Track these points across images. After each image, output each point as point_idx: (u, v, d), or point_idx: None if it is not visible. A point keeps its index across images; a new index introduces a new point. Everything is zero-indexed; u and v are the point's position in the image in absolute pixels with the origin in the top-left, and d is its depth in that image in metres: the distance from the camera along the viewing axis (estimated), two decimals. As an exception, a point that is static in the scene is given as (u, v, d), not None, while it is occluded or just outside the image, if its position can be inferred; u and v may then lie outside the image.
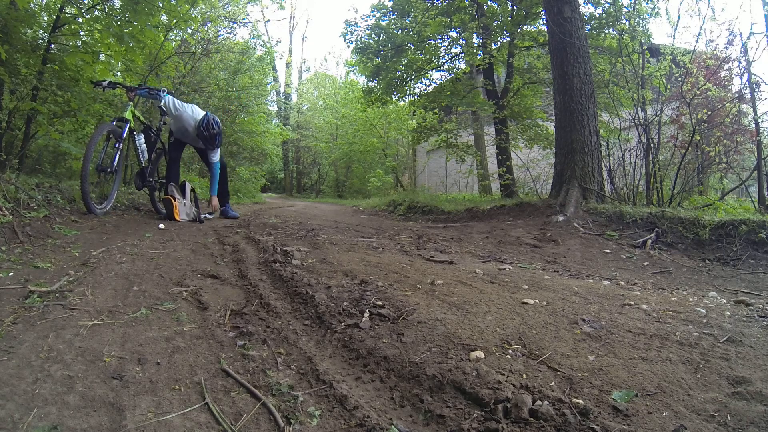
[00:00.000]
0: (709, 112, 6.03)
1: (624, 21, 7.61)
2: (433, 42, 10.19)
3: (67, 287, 1.74)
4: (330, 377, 1.23)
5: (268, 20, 33.85)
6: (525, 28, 9.15)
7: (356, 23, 10.59)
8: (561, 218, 4.45)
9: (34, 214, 2.79)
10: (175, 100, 4.48)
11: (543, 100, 9.86)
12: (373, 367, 1.29)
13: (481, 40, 9.40)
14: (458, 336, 1.44)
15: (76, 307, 1.56)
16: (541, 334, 1.51)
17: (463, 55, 10.18)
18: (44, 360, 1.19)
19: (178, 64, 7.01)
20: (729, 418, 1.06)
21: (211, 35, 9.71)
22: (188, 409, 1.06)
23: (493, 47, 9.29)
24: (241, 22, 11.31)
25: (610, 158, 5.74)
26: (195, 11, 7.29)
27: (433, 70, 10.84)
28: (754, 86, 5.95)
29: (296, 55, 35.86)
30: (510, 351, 1.38)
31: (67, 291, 1.70)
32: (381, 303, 1.72)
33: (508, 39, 9.33)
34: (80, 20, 4.67)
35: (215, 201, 4.85)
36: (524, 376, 1.23)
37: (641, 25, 7.58)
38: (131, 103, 4.05)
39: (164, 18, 5.35)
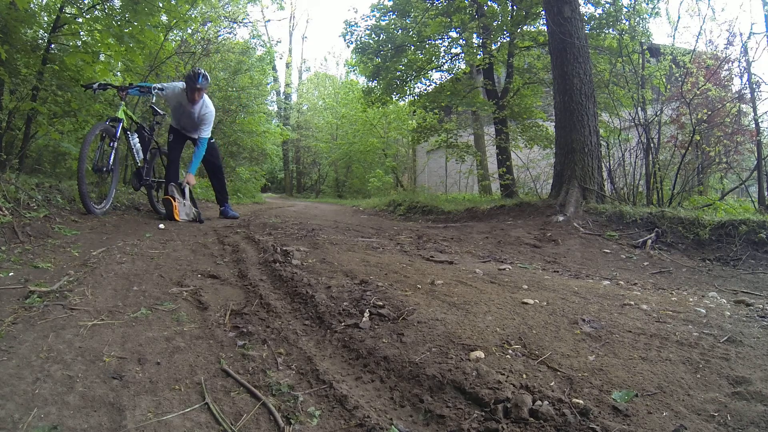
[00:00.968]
0: (709, 112, 6.03)
1: (624, 21, 7.61)
2: (433, 42, 10.20)
3: (67, 287, 1.74)
4: (330, 377, 1.23)
5: (268, 20, 33.93)
6: (525, 28, 9.16)
7: (356, 23, 10.61)
8: (561, 218, 4.45)
9: (34, 214, 2.79)
10: (162, 83, 4.59)
11: (543, 100, 9.87)
12: (373, 367, 1.29)
13: (481, 40, 9.40)
14: (458, 336, 1.44)
15: (76, 307, 1.56)
16: (541, 334, 1.51)
17: (463, 55, 10.18)
18: (44, 360, 1.19)
19: (178, 64, 7.00)
20: (729, 418, 1.06)
21: (211, 35, 9.70)
22: (188, 409, 1.06)
23: (493, 47, 9.29)
24: (241, 22, 11.30)
25: (610, 158, 5.74)
26: (195, 11, 7.30)
27: (433, 70, 10.86)
28: (754, 86, 5.95)
29: (296, 55, 35.94)
30: (510, 351, 1.38)
31: (67, 291, 1.70)
32: (381, 303, 1.72)
33: (508, 39, 9.33)
34: (80, 20, 4.68)
35: (191, 177, 4.44)
36: (524, 376, 1.23)
37: (641, 25, 7.57)
38: (123, 102, 4.07)
39: (164, 18, 5.36)
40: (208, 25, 9.61)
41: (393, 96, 11.01)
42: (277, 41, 26.52)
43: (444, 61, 10.67)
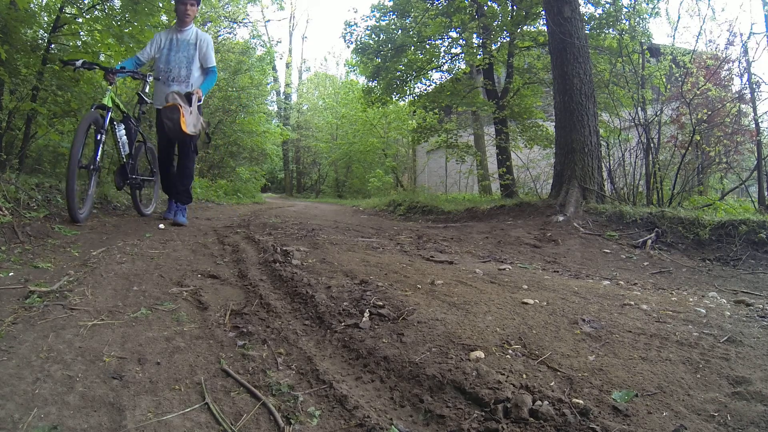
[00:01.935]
0: (709, 112, 6.03)
1: (624, 21, 7.61)
2: (433, 42, 10.20)
3: (67, 287, 1.74)
4: (330, 377, 1.23)
5: (268, 20, 33.92)
6: (525, 28, 9.16)
7: (356, 23, 10.63)
8: (561, 218, 4.45)
9: (34, 214, 2.79)
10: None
11: (543, 100, 9.87)
12: (373, 367, 1.29)
13: (481, 41, 9.40)
14: (458, 336, 1.44)
15: (76, 307, 1.56)
16: (541, 334, 1.51)
17: (463, 55, 10.18)
18: (44, 360, 1.19)
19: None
20: (729, 418, 1.06)
21: (211, 35, 9.71)
22: (188, 409, 1.06)
23: (493, 47, 9.29)
24: (241, 22, 11.32)
25: (610, 158, 5.74)
26: (195, 11, 7.27)
27: (433, 71, 10.86)
28: (754, 86, 5.95)
29: (296, 55, 35.89)
30: (510, 351, 1.38)
31: (67, 291, 1.70)
32: (381, 303, 1.72)
33: (508, 39, 9.34)
34: (80, 20, 4.69)
35: (200, 92, 3.74)
36: (524, 376, 1.23)
37: (641, 25, 7.57)
38: (110, 88, 3.43)
39: (164, 18, 5.36)
40: (208, 25, 9.62)
41: (393, 96, 11.00)
42: (277, 41, 26.53)
43: (444, 61, 10.67)
